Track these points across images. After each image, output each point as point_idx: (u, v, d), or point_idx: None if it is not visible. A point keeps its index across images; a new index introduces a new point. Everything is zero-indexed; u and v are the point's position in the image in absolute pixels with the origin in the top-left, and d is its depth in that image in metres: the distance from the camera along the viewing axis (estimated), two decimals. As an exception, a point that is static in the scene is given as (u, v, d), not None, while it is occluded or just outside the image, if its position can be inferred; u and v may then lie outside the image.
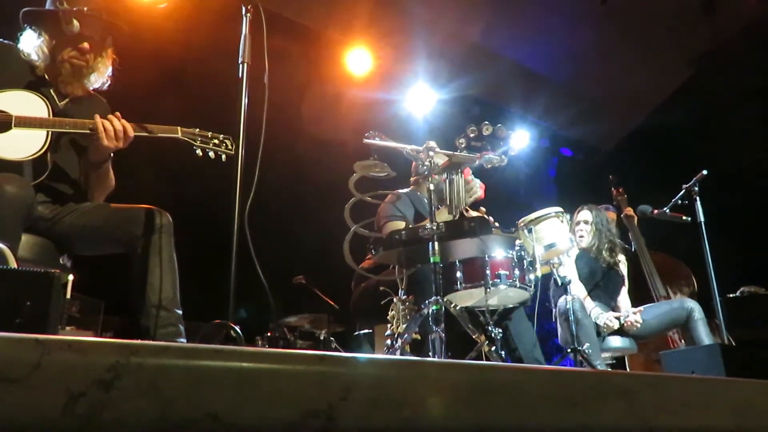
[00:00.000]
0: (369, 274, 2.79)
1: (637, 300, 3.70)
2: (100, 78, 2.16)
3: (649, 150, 5.93)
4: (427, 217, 2.49)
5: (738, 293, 3.91)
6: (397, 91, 5.27)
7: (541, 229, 2.81)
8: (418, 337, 2.39)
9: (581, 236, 3.69)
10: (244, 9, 2.05)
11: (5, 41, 2.08)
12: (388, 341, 2.39)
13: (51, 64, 2.06)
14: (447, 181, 2.48)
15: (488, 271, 2.53)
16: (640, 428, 1.02)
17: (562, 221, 2.87)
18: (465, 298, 2.68)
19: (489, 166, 2.55)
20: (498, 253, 2.58)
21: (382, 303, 2.60)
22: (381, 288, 2.68)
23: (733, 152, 4.88)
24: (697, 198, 3.47)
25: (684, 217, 3.63)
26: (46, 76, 2.08)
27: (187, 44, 4.31)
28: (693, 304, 3.34)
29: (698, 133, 5.33)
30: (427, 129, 5.25)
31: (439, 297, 2.23)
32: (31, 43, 2.04)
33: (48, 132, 1.92)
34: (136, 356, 0.71)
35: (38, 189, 1.93)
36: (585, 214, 3.75)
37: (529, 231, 2.78)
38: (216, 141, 2.12)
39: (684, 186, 3.55)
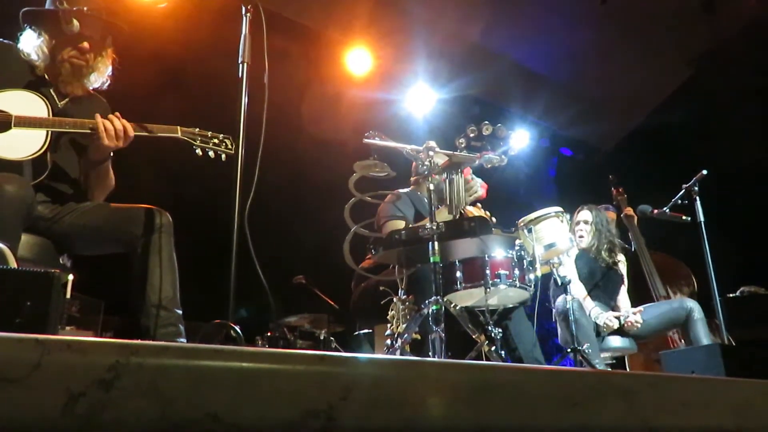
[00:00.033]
0: (369, 273, 2.78)
1: (636, 300, 3.70)
2: (100, 78, 2.16)
3: (649, 150, 5.93)
4: (427, 217, 2.49)
5: (738, 293, 3.92)
6: (397, 91, 5.27)
7: (541, 228, 2.81)
8: (418, 337, 2.39)
9: (581, 236, 3.69)
10: (244, 9, 2.05)
11: (5, 41, 2.08)
12: (388, 341, 2.39)
13: (51, 63, 2.06)
14: (447, 180, 2.48)
15: (488, 271, 2.53)
16: (640, 428, 1.02)
17: (561, 221, 2.87)
18: (465, 297, 2.68)
19: (489, 165, 2.55)
20: (498, 252, 2.58)
21: (382, 303, 2.60)
22: (381, 288, 2.67)
23: (733, 152, 4.87)
24: (697, 198, 3.47)
25: (684, 217, 3.62)
26: (46, 76, 2.08)
27: (187, 44, 4.31)
28: (693, 304, 3.34)
29: (698, 133, 5.32)
30: (427, 129, 5.24)
31: (439, 297, 2.23)
32: (31, 43, 2.04)
33: (48, 132, 1.92)
34: (136, 356, 0.71)
35: (38, 189, 1.93)
36: (585, 214, 3.75)
37: (529, 231, 2.78)
38: (216, 140, 2.12)
39: (684, 186, 3.55)
